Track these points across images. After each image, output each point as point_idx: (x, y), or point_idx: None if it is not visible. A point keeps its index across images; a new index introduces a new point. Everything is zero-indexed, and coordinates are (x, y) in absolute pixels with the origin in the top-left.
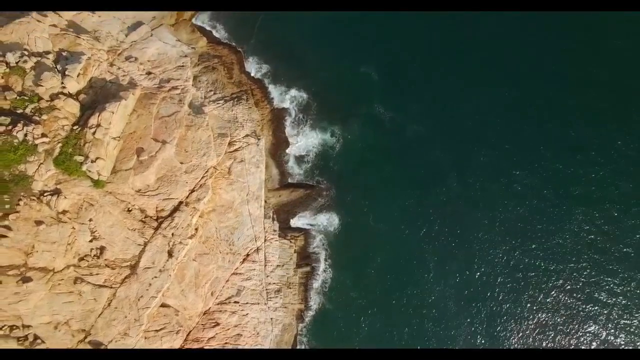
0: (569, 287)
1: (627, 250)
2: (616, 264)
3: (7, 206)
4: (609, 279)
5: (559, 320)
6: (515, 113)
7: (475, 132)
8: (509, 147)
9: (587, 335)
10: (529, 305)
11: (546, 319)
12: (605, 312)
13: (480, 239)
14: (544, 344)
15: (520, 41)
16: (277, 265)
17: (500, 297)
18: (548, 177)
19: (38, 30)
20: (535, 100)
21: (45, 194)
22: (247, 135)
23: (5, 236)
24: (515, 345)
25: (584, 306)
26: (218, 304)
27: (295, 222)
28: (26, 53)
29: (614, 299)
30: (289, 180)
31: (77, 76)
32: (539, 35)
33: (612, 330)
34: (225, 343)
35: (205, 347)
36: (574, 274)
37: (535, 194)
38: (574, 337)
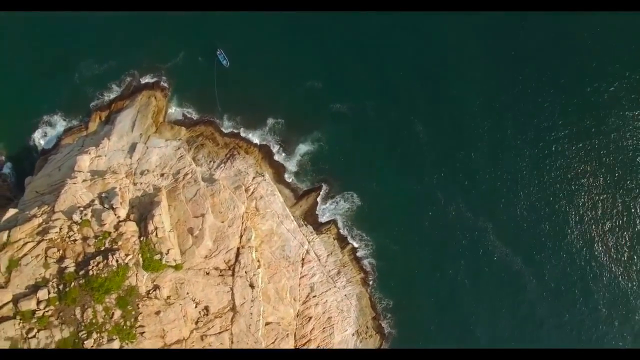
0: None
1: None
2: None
3: (133, 312)
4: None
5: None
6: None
7: (416, 91)
8: (444, 96)
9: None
10: (521, 205)
11: (541, 208)
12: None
13: (464, 168)
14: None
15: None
16: (328, 255)
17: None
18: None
19: (78, 189)
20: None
21: (150, 292)
22: (254, 178)
23: (143, 332)
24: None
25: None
26: (302, 304)
27: (322, 218)
28: (81, 208)
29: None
30: (300, 192)
31: (120, 204)
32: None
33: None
34: (324, 329)
35: (312, 339)
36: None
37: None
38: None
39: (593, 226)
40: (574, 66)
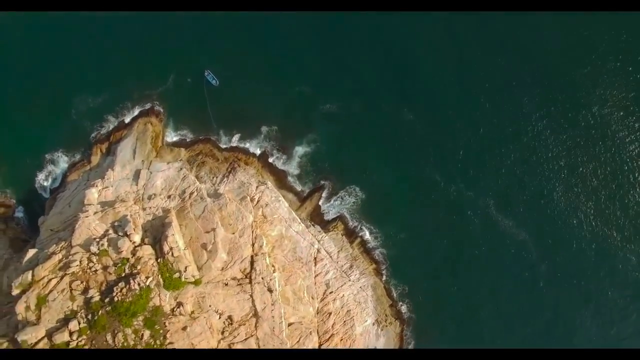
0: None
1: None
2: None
3: (161, 331)
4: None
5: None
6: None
7: (405, 85)
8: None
9: None
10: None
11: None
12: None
13: (460, 150)
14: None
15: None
16: (338, 251)
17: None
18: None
19: (91, 222)
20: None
21: (174, 309)
22: (257, 187)
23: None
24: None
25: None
26: (321, 301)
27: (327, 216)
28: (97, 239)
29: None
30: (303, 194)
31: (134, 230)
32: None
33: None
34: (344, 322)
35: (334, 334)
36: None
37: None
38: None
39: (593, 195)
40: (559, 53)
